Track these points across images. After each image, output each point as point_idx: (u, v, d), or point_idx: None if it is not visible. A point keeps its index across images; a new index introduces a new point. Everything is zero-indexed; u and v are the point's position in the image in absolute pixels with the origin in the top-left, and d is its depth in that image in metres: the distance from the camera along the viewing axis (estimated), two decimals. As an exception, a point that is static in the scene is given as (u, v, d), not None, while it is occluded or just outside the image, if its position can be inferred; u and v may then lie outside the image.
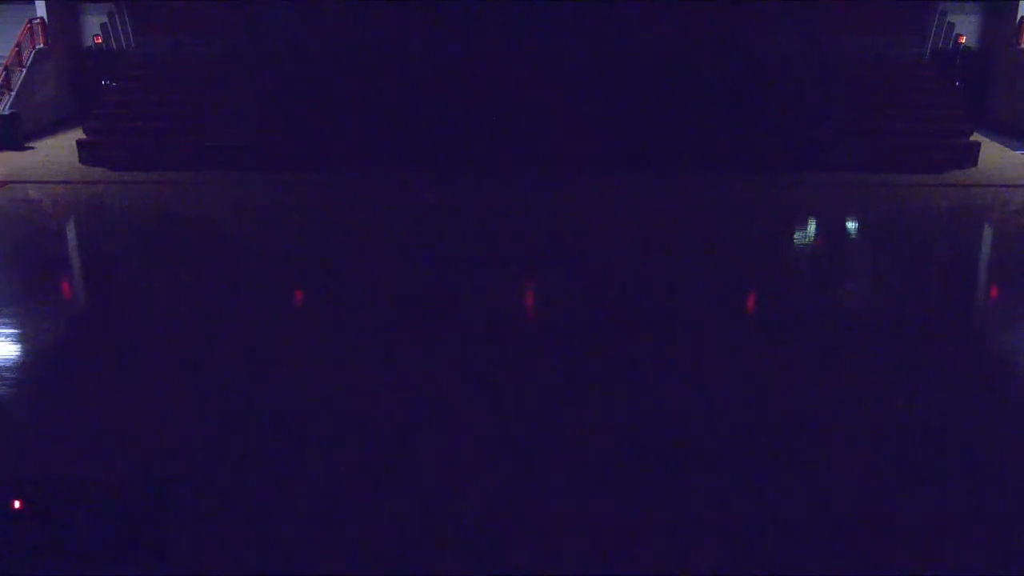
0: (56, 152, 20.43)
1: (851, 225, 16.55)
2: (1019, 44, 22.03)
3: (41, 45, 22.50)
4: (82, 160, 19.41)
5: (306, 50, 21.39)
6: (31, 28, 22.27)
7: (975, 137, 20.02)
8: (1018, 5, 22.11)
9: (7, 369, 9.65)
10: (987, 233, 16.18)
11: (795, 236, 15.97)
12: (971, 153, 19.24)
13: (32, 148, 20.87)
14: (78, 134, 20.29)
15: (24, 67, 21.87)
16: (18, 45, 21.78)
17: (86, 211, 17.42)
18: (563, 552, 6.67)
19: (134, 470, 7.69)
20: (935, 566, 6.51)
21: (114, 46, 23.37)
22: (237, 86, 20.60)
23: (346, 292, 12.48)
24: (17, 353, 10.17)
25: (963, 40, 22.99)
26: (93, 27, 23.82)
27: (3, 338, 10.54)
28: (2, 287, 12.95)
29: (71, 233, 16.38)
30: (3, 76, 21.26)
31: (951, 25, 22.99)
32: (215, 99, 20.46)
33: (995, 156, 19.94)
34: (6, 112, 20.78)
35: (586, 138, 19.56)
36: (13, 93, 21.34)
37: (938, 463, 7.90)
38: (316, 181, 18.60)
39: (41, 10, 22.50)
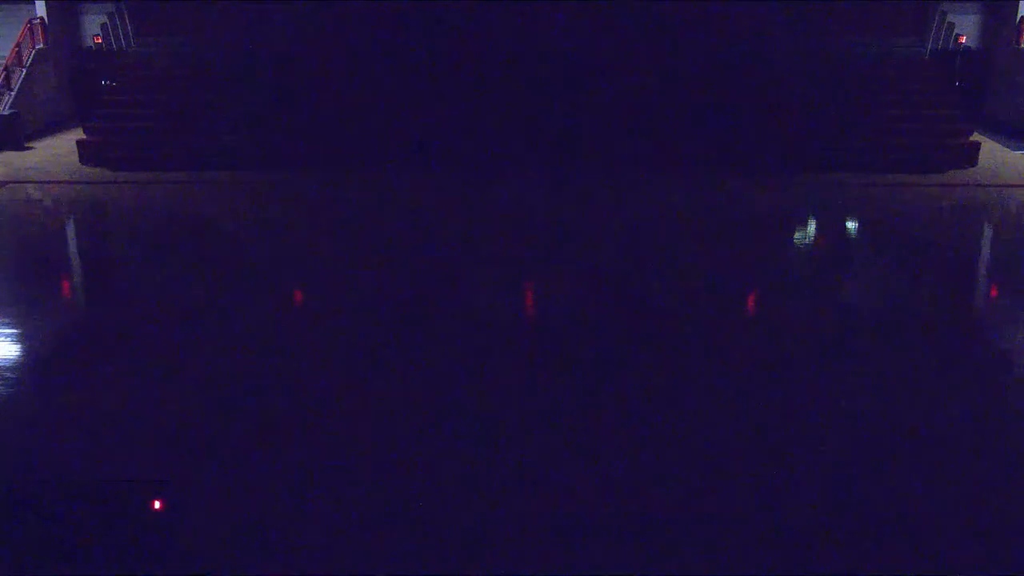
0: (56, 152, 20.43)
1: (851, 225, 16.53)
2: (1019, 44, 22.03)
3: (41, 45, 22.51)
4: (82, 160, 19.41)
5: (304, 50, 21.37)
6: (31, 28, 22.29)
7: (975, 137, 20.01)
8: (1018, 5, 22.13)
9: (7, 369, 9.66)
10: (987, 233, 16.17)
11: (796, 236, 15.96)
12: (971, 153, 19.23)
13: (32, 148, 20.87)
14: (78, 134, 20.29)
15: (24, 67, 21.88)
16: (18, 45, 21.79)
17: (86, 211, 17.42)
18: (565, 552, 6.68)
19: (134, 470, 7.69)
20: (936, 566, 6.52)
21: (114, 46, 23.36)
22: (236, 86, 20.59)
23: (346, 292, 12.46)
24: (17, 353, 10.18)
25: (963, 40, 22.98)
26: (93, 27, 23.81)
27: (3, 338, 10.55)
28: (2, 287, 12.96)
29: (71, 233, 16.38)
30: (3, 76, 21.27)
31: (951, 25, 22.97)
32: (214, 99, 20.46)
33: (995, 156, 19.92)
34: (6, 112, 20.78)
35: (586, 138, 19.54)
36: (13, 93, 21.35)
37: (940, 463, 7.91)
38: (316, 180, 18.58)
39: (41, 10, 22.53)
